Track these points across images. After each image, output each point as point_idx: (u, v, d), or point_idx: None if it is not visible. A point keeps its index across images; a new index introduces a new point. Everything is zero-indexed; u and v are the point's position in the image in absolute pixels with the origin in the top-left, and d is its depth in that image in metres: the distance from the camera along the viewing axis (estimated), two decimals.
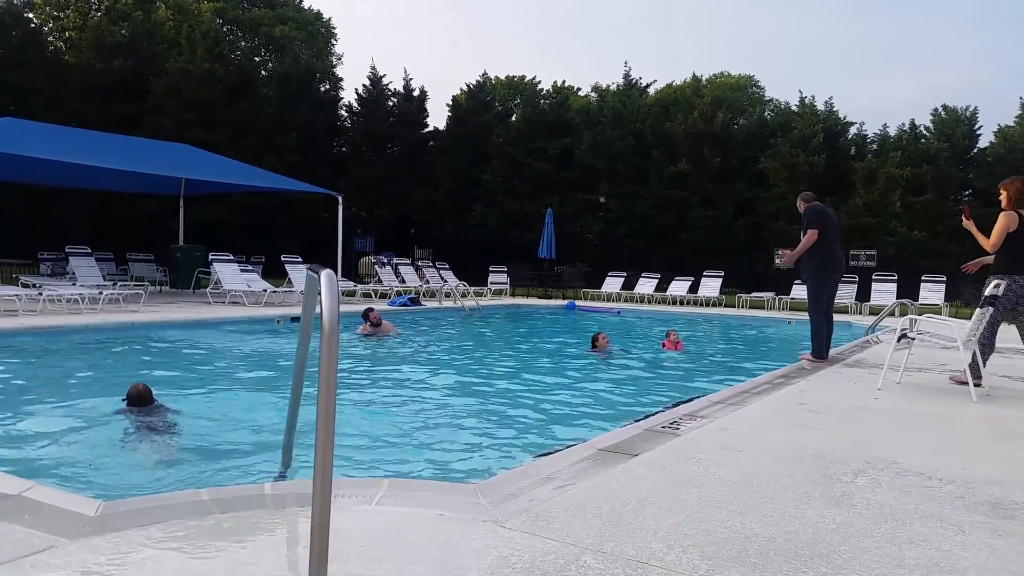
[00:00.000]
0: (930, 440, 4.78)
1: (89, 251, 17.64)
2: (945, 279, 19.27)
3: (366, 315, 11.68)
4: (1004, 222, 6.92)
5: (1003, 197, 7.10)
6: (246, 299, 15.72)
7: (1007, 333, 12.89)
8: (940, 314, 15.07)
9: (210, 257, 17.31)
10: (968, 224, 7.25)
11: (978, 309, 7.02)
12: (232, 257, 17.82)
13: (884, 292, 19.36)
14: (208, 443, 5.17)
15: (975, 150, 27.86)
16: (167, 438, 5.22)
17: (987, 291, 6.88)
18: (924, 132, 28.16)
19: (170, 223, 22.70)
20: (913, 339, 7.20)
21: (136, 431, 5.34)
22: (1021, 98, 27.59)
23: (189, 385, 7.33)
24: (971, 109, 27.89)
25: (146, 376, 7.18)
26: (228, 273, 16.68)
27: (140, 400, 5.63)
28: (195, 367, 8.62)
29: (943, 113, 28.35)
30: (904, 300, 16.41)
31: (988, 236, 6.96)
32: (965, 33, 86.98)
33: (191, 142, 22.62)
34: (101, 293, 13.33)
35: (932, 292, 18.98)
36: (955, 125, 27.67)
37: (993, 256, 7.05)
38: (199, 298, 16.89)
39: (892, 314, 14.84)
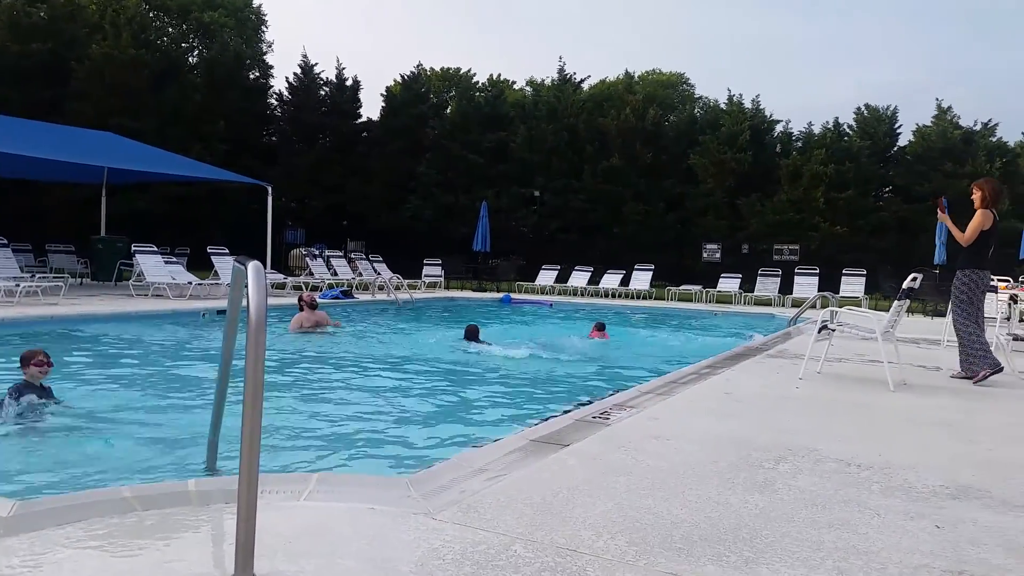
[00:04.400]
0: (849, 427, 4.96)
1: (5, 242, 16.89)
2: (865, 273, 19.98)
3: (300, 301, 11.44)
4: (979, 220, 7.09)
5: (976, 196, 7.21)
6: (170, 292, 15.32)
7: (923, 325, 13.38)
8: (860, 306, 15.63)
9: (133, 248, 16.78)
10: (943, 217, 7.47)
11: (896, 301, 7.31)
12: (156, 248, 17.31)
13: (806, 285, 19.99)
14: (131, 440, 5.03)
15: (895, 148, 28.85)
16: (86, 434, 5.06)
17: (905, 284, 7.16)
18: (847, 130, 29.05)
19: (92, 213, 21.93)
20: (833, 330, 7.45)
21: (52, 427, 5.16)
22: (938, 99, 28.75)
23: (111, 380, 7.12)
24: (892, 108, 28.88)
25: (65, 371, 6.93)
26: (152, 265, 16.21)
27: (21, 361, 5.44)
28: (117, 362, 8.36)
29: (865, 112, 29.25)
30: (825, 293, 16.95)
31: (962, 230, 7.16)
32: (887, 35, 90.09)
33: (115, 130, 21.91)
34: (18, 285, 12.82)
35: (852, 285, 19.69)
36: (876, 124, 28.60)
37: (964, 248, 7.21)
38: (121, 291, 16.39)
39: (814, 306, 15.32)
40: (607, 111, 30.61)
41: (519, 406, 6.70)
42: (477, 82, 37.58)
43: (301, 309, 11.31)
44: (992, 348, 7.20)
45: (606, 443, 4.23)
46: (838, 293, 18.96)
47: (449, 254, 25.54)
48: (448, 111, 33.91)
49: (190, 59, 36.60)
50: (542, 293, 21.70)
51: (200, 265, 19.84)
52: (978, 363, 6.98)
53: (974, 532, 2.99)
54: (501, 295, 20.20)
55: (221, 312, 12.20)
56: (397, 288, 17.97)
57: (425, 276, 23.22)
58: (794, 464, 3.92)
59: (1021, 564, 2.68)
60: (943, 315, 12.99)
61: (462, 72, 43.57)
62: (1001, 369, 6.91)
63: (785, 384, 6.59)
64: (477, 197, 27.00)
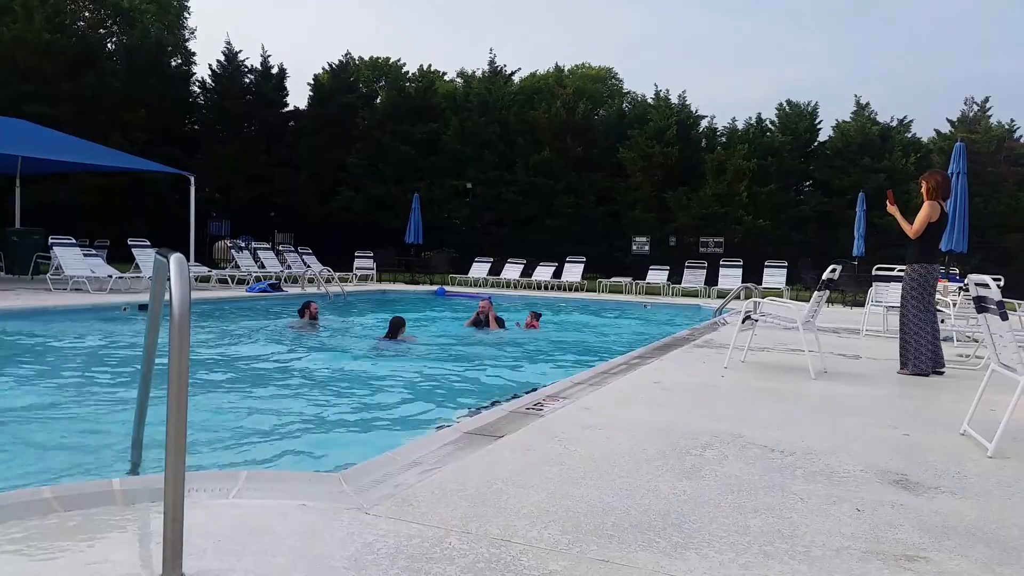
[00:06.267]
0: (773, 414, 5.11)
1: None
2: (787, 264, 20.58)
3: (305, 309, 11.17)
4: (927, 212, 6.98)
5: (923, 189, 7.18)
6: (90, 285, 14.80)
7: (843, 314, 13.81)
8: (782, 297, 16.10)
9: (50, 241, 16.14)
10: (892, 209, 7.29)
11: (816, 292, 7.54)
12: (75, 241, 16.68)
13: (731, 277, 20.49)
14: (50, 439, 4.85)
15: (815, 143, 29.73)
16: (2, 433, 4.86)
17: (825, 275, 7.39)
18: (769, 126, 29.81)
19: (5, 204, 21.03)
20: (756, 321, 7.65)
21: None
22: (856, 96, 29.75)
23: (28, 378, 6.84)
24: (812, 104, 29.74)
25: None
26: (70, 258, 15.64)
27: None
28: (35, 358, 8.04)
29: (787, 108, 30.05)
30: (749, 284, 17.39)
31: (910, 222, 7.08)
32: (809, 33, 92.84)
33: (29, 117, 20.98)
34: None
35: (774, 277, 20.26)
36: (798, 119, 29.41)
37: (912, 241, 7.10)
38: (38, 285, 15.76)
39: (738, 297, 15.69)
40: (538, 104, 30.74)
41: (453, 398, 6.70)
42: (407, 72, 37.19)
43: (302, 315, 11.04)
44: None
45: (539, 434, 4.27)
46: (761, 284, 19.49)
47: (381, 246, 25.30)
48: (378, 101, 33.51)
49: (109, 45, 35.33)
50: (475, 286, 21.68)
51: (121, 258, 19.19)
52: (911, 360, 7.03)
53: (891, 514, 3.12)
54: (435, 288, 20.12)
55: (143, 306, 11.85)
56: (328, 281, 17.71)
57: (357, 269, 22.94)
58: (720, 451, 4.02)
59: (934, 542, 2.81)
60: (862, 305, 13.47)
61: (391, 62, 43.12)
62: (927, 375, 6.95)
63: (711, 373, 6.74)
64: (409, 189, 26.80)
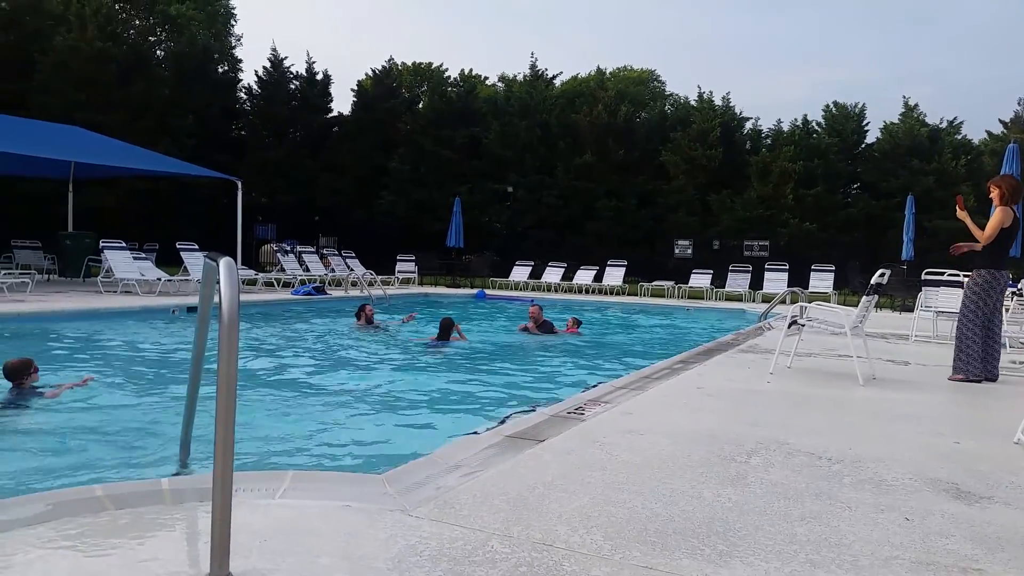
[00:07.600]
0: (819, 421, 5.02)
1: None
2: (834, 268, 20.22)
3: (361, 311, 11.58)
4: (1000, 217, 6.81)
5: (995, 194, 6.98)
6: (139, 288, 15.13)
7: (892, 320, 13.51)
8: (829, 302, 15.82)
9: (101, 244, 16.55)
10: (962, 215, 7.11)
11: (864, 297, 7.40)
12: (124, 244, 17.08)
13: (776, 281, 20.20)
14: (102, 439, 4.97)
15: (863, 145, 29.20)
16: (56, 433, 4.99)
17: (873, 279, 7.24)
18: (816, 127, 29.35)
19: (59, 208, 21.60)
20: (803, 325, 7.53)
21: (21, 427, 5.08)
22: (904, 96, 29.15)
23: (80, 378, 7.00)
24: (860, 106, 29.23)
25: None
26: (120, 261, 16.00)
27: (11, 374, 5.53)
28: (86, 359, 8.24)
29: (834, 109, 29.57)
30: (795, 288, 17.13)
31: (981, 228, 6.92)
32: (856, 33, 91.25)
33: (81, 124, 21.56)
34: None
35: (821, 280, 19.90)
36: (845, 121, 28.93)
37: (982, 247, 6.94)
38: (90, 287, 16.16)
39: (783, 302, 15.47)
40: (579, 107, 30.68)
41: (494, 402, 6.70)
42: (449, 77, 37.43)
43: (358, 318, 11.41)
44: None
45: (581, 438, 4.25)
46: (807, 288, 19.16)
47: (422, 250, 25.47)
48: (420, 106, 33.77)
49: (158, 52, 36.15)
50: (516, 289, 21.70)
51: (169, 261, 19.59)
52: (963, 365, 6.92)
53: (942, 524, 3.04)
54: (475, 291, 20.17)
55: (192, 309, 12.08)
56: (370, 284, 17.87)
57: (399, 272, 23.12)
58: (766, 458, 3.96)
59: (988, 554, 2.74)
60: (911, 310, 13.19)
61: (434, 67, 43.39)
62: (979, 381, 6.83)
63: (756, 379, 6.65)
64: (450, 193, 26.94)
